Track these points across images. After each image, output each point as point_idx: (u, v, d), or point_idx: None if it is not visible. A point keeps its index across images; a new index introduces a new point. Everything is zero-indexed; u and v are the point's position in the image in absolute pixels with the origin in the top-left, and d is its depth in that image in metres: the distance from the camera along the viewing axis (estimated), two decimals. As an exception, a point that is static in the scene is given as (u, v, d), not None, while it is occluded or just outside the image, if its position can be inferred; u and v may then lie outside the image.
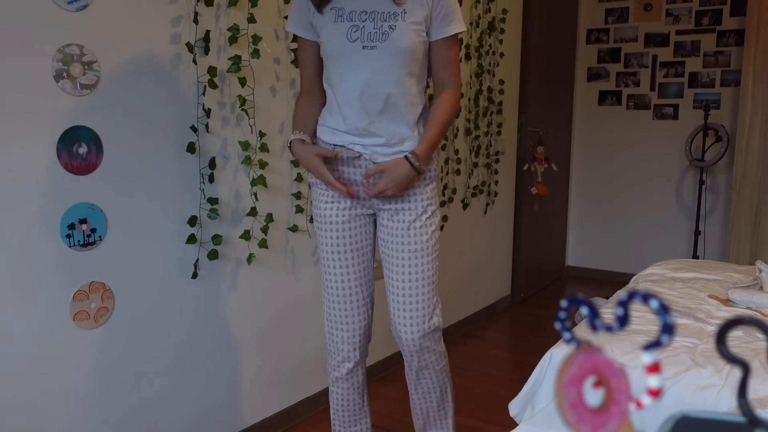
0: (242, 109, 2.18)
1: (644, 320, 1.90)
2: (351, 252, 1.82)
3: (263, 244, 2.25)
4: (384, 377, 3.00)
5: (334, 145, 1.75)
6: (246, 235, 2.19)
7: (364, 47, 1.65)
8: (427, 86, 1.82)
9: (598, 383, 0.52)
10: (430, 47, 1.73)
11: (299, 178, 2.43)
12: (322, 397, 2.68)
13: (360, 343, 1.89)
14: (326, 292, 1.86)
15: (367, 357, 1.97)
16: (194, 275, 2.08)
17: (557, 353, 1.76)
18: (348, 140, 1.74)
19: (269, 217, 2.27)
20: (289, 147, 1.78)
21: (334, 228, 1.80)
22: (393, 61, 1.66)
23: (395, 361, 3.11)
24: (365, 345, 1.92)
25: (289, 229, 2.42)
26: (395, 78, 1.68)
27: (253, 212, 2.22)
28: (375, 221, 1.85)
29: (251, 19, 2.11)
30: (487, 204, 3.82)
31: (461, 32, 1.73)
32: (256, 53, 2.15)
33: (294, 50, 2.35)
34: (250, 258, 2.23)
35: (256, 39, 2.17)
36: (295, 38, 2.35)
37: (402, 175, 1.69)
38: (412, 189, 1.76)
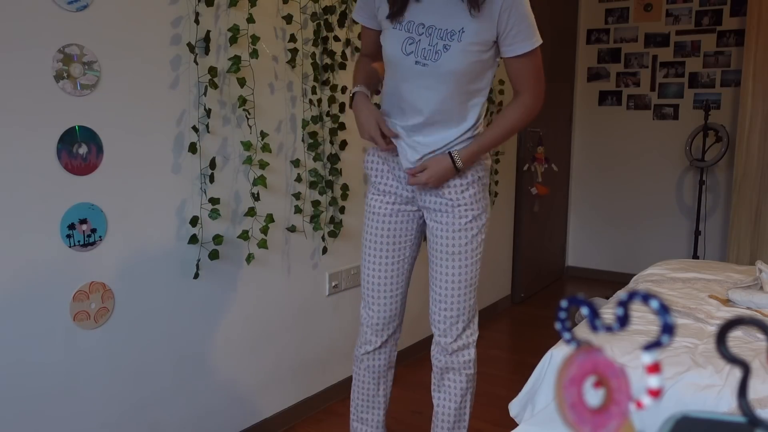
0: (243, 110, 2.18)
1: (644, 320, 1.90)
2: (389, 244, 1.87)
3: (263, 244, 2.25)
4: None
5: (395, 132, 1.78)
6: (245, 235, 2.19)
7: (416, 62, 1.67)
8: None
9: (598, 383, 0.52)
10: (506, 61, 1.73)
11: (299, 179, 2.43)
12: (323, 397, 2.68)
13: (381, 330, 1.93)
14: (362, 275, 1.93)
15: (393, 351, 2.00)
16: (196, 275, 2.08)
17: (557, 353, 1.75)
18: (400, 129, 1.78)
19: (269, 218, 2.27)
20: (351, 98, 1.80)
21: (377, 219, 1.86)
22: (441, 82, 1.67)
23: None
24: (389, 335, 1.95)
25: (288, 229, 2.42)
26: (441, 98, 1.69)
27: (252, 212, 2.22)
28: (422, 218, 1.89)
29: (250, 19, 2.12)
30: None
31: (537, 46, 1.69)
32: (255, 53, 2.15)
33: (292, 50, 2.35)
34: (249, 258, 2.23)
35: (255, 39, 2.17)
36: (293, 39, 2.36)
37: (442, 169, 1.72)
38: (453, 191, 1.78)
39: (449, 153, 1.73)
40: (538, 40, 1.68)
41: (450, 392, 1.93)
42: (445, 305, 1.84)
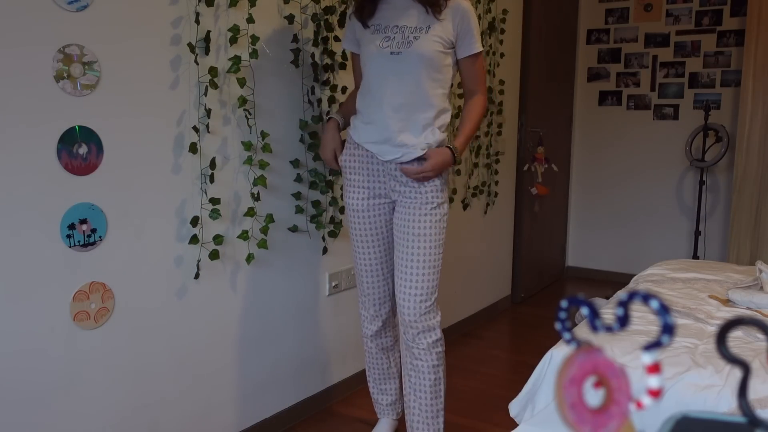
0: (243, 110, 2.18)
1: (644, 321, 1.90)
2: (371, 234, 2.15)
3: (263, 244, 2.25)
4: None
5: (356, 143, 2.10)
6: (244, 235, 2.19)
7: (392, 53, 1.99)
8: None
9: (598, 383, 0.52)
10: (459, 63, 2.10)
11: (299, 179, 2.44)
12: (323, 397, 2.68)
13: (383, 311, 2.24)
14: (355, 268, 2.23)
15: (394, 328, 2.29)
16: (196, 275, 2.08)
17: (557, 353, 1.75)
18: (363, 140, 2.07)
19: (269, 218, 2.27)
20: (327, 120, 2.20)
21: (356, 214, 2.15)
22: (414, 65, 1.98)
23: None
24: (389, 314, 2.26)
25: (289, 229, 2.42)
26: (414, 80, 1.99)
27: (251, 212, 2.22)
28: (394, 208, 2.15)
29: (250, 19, 2.12)
30: (488, 204, 3.83)
31: (481, 51, 2.10)
32: (255, 53, 2.15)
33: (293, 50, 2.35)
34: (249, 258, 2.23)
35: (255, 39, 2.17)
36: (295, 39, 2.36)
37: (442, 161, 2.01)
38: (424, 187, 2.04)
39: (448, 147, 2.04)
40: (480, 47, 2.09)
41: (423, 373, 2.09)
42: (414, 284, 2.03)
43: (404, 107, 1.99)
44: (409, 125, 2.00)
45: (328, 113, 2.13)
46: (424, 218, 2.02)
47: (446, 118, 2.07)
